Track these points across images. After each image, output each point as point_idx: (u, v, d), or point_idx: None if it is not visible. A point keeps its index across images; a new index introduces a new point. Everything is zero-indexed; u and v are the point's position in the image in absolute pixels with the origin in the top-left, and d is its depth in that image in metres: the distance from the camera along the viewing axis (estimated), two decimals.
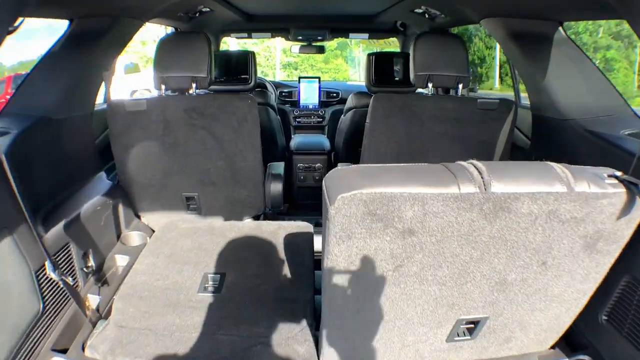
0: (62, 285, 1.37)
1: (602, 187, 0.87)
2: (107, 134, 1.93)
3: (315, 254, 1.92)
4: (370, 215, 0.80)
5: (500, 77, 10.76)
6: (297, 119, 3.86)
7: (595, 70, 1.69)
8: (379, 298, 0.97)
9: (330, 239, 0.85)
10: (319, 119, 3.86)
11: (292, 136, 3.74)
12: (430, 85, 1.85)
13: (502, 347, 1.20)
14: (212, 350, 1.24)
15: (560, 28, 1.73)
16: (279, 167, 2.18)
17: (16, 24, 1.06)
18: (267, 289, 1.47)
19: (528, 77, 1.83)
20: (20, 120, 1.47)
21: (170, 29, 2.99)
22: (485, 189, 0.80)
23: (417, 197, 0.78)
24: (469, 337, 1.13)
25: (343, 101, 3.92)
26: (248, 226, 1.88)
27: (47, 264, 1.29)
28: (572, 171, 0.88)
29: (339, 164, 2.29)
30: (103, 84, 1.90)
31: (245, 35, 3.76)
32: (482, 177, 0.81)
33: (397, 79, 2.91)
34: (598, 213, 0.89)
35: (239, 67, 2.90)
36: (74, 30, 1.67)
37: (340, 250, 0.87)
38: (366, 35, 3.79)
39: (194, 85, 1.80)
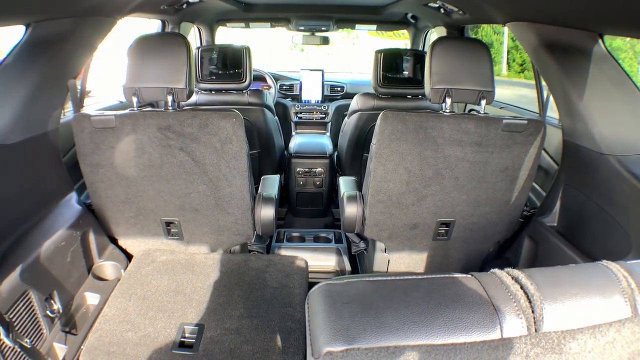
0: (22, 346, 1.18)
1: None
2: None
3: (310, 277, 1.72)
4: None
5: (508, 63, 10.41)
6: (298, 115, 3.61)
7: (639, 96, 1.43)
8: None
9: None
10: (321, 115, 3.61)
11: (292, 134, 3.50)
12: (448, 101, 1.59)
13: None
14: None
15: (600, 41, 1.46)
16: (271, 185, 1.95)
17: None
18: (251, 351, 1.27)
19: (560, 95, 1.57)
20: None
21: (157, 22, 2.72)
22: (535, 329, 0.57)
23: (440, 350, 0.55)
24: None
25: (348, 96, 3.65)
26: (234, 262, 1.67)
27: (1, 330, 1.10)
28: (633, 276, 0.64)
29: (341, 180, 2.05)
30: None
31: (242, 25, 3.48)
32: (532, 308, 0.58)
33: (406, 76, 2.65)
34: None
35: (232, 62, 2.64)
36: (31, 36, 1.41)
37: None
38: (374, 26, 3.49)
39: (169, 98, 1.56)
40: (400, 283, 0.61)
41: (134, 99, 1.56)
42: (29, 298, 1.32)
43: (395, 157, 1.59)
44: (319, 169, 2.94)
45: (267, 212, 1.78)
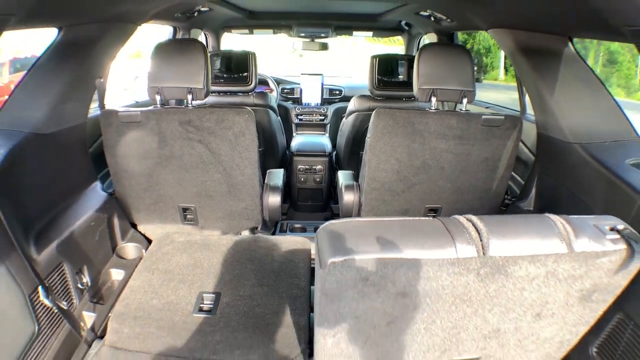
0: (56, 308, 1.36)
1: (602, 244, 0.84)
2: (101, 141, 1.90)
3: (312, 263, 1.90)
4: (362, 281, 0.77)
5: (505, 67, 10.64)
6: (299, 117, 3.81)
7: (604, 92, 1.63)
8: (370, 347, 0.95)
9: (320, 299, 0.83)
10: (321, 117, 3.81)
11: (294, 134, 3.69)
12: (434, 99, 1.80)
13: None
14: None
15: (569, 44, 1.67)
16: (277, 177, 2.15)
17: None
18: (262, 313, 1.46)
19: (534, 93, 1.78)
20: (8, 138, 1.44)
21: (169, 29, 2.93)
22: (483, 253, 0.77)
23: (412, 263, 0.75)
24: None
25: (346, 99, 3.86)
26: (245, 241, 1.86)
27: (40, 289, 1.28)
28: (573, 226, 0.84)
29: (339, 174, 2.25)
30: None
31: (247, 31, 3.69)
32: (480, 238, 0.78)
33: (402, 80, 2.85)
34: (596, 270, 0.86)
35: (239, 67, 2.85)
36: (63, 38, 1.61)
37: (330, 309, 0.84)
38: (370, 33, 3.71)
39: (189, 96, 1.76)
40: (384, 222, 0.81)
41: (158, 97, 1.76)
42: (62, 270, 1.50)
43: (387, 149, 1.79)
44: (319, 167, 3.14)
45: (274, 199, 1.97)
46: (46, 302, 1.28)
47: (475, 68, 1.85)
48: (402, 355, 0.98)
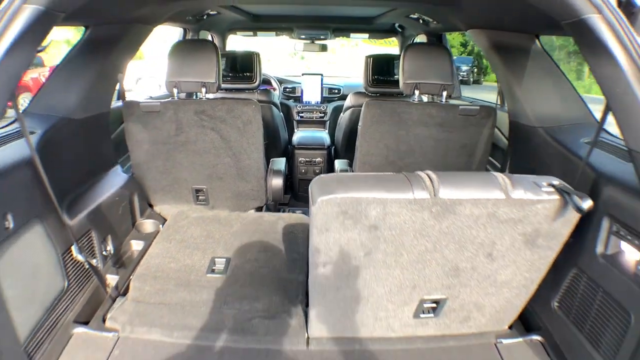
0: (86, 266, 1.59)
1: (537, 194, 1.07)
2: (122, 129, 2.13)
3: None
4: (343, 214, 1.01)
5: None
6: (300, 114, 4.05)
7: (565, 82, 1.86)
8: (353, 279, 1.18)
9: (313, 231, 1.07)
10: (320, 114, 4.05)
11: (295, 130, 3.94)
12: (417, 92, 2.04)
13: (463, 325, 1.41)
14: (218, 322, 1.47)
15: (537, 41, 1.90)
16: (280, 163, 2.38)
17: (44, 43, 1.25)
18: (266, 272, 1.69)
19: (506, 85, 2.01)
20: (44, 121, 1.65)
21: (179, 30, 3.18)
22: (434, 195, 1.00)
23: (379, 200, 0.99)
24: (432, 315, 1.35)
25: (344, 97, 4.10)
26: (251, 217, 2.09)
27: (74, 247, 1.51)
28: (512, 180, 1.07)
29: (336, 161, 2.49)
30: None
31: (251, 33, 3.94)
32: (433, 185, 1.01)
33: (394, 78, 3.08)
34: (534, 215, 1.09)
35: (244, 66, 3.09)
36: (90, 36, 1.84)
37: (320, 240, 1.08)
38: (366, 35, 3.95)
39: (203, 89, 2.00)
40: (361, 175, 1.05)
41: (175, 90, 2.00)
42: (90, 236, 1.72)
43: (376, 136, 2.03)
44: (318, 159, 3.37)
45: (277, 181, 2.21)
46: (79, 257, 1.51)
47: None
48: (380, 288, 1.21)
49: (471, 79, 17.52)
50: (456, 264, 1.18)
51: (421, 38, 3.31)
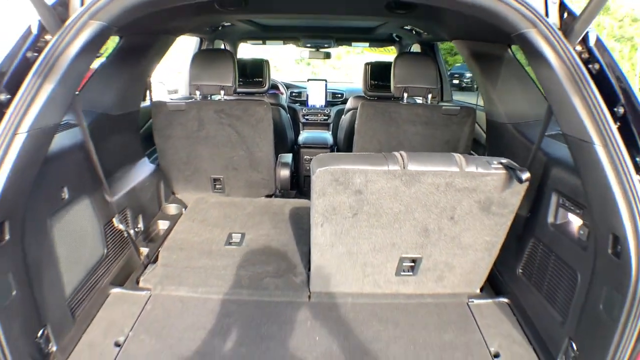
0: (124, 235, 1.90)
1: (487, 169, 1.37)
2: (148, 127, 2.46)
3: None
4: (335, 181, 1.33)
5: None
6: (306, 117, 4.38)
7: (532, 85, 2.16)
8: (344, 236, 1.50)
9: (313, 196, 1.39)
10: (324, 117, 4.38)
11: (301, 131, 4.26)
12: (405, 95, 2.35)
13: (438, 285, 1.71)
14: (236, 281, 1.77)
15: (509, 50, 2.21)
16: (287, 157, 2.71)
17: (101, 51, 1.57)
18: (275, 244, 2.00)
19: (483, 88, 2.32)
20: (87, 115, 1.92)
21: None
22: (404, 167, 1.32)
23: (362, 171, 1.31)
24: (411, 273, 1.65)
25: (347, 101, 4.43)
26: (262, 202, 2.41)
27: (115, 218, 1.82)
28: (466, 159, 1.38)
29: None
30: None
31: (260, 42, 4.28)
32: (403, 161, 1.33)
33: (389, 83, 3.40)
34: (484, 185, 1.39)
35: (255, 72, 3.43)
36: (124, 45, 2.14)
37: (319, 203, 1.40)
38: (367, 44, 4.28)
39: (222, 92, 2.33)
40: (351, 154, 1.37)
41: (197, 92, 2.33)
42: (126, 213, 2.04)
43: (370, 132, 2.34)
44: None
45: (284, 172, 2.53)
46: (121, 227, 1.82)
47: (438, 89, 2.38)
48: (365, 245, 1.52)
49: (475, 86, 17.88)
50: (425, 225, 1.48)
51: (416, 47, 3.64)
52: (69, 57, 1.19)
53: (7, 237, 1.15)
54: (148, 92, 2.55)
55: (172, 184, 2.55)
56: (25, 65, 1.16)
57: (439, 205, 1.43)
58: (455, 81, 5.23)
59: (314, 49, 4.28)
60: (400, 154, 1.37)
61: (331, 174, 1.36)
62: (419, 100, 2.45)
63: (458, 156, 1.39)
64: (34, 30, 1.19)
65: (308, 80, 4.52)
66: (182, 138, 2.38)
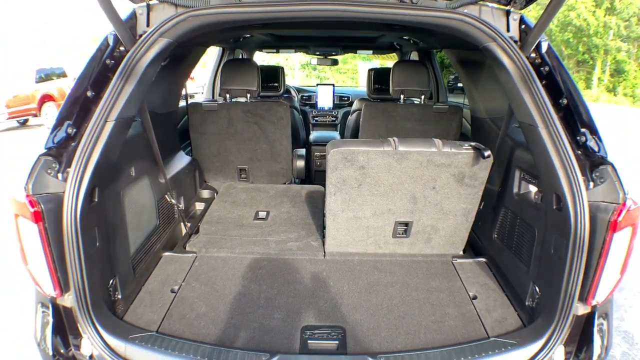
0: (173, 210, 2.34)
1: (458, 149, 1.81)
2: (183, 124, 2.91)
3: (324, 196, 2.87)
4: (344, 159, 1.78)
5: None
6: (315, 118, 4.83)
7: None
8: (352, 203, 1.94)
9: (328, 171, 1.84)
10: (332, 119, 4.83)
11: (311, 131, 4.71)
12: (402, 96, 2.79)
13: (427, 246, 2.13)
14: (265, 245, 2.21)
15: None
16: (302, 151, 3.16)
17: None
18: (295, 219, 2.44)
19: (467, 90, 2.75)
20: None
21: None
22: (395, 148, 1.76)
23: (364, 151, 1.76)
24: (405, 236, 2.08)
25: (353, 104, 4.88)
26: (282, 187, 2.86)
27: (167, 195, 2.26)
28: (443, 142, 1.82)
29: None
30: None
31: (274, 51, 4.75)
32: (395, 144, 1.77)
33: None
34: (457, 162, 1.83)
35: (271, 77, 3.89)
36: (170, 55, 2.59)
37: (332, 176, 1.85)
38: (371, 51, 4.73)
39: (248, 95, 2.79)
40: (356, 139, 1.80)
41: (227, 95, 2.79)
42: (172, 193, 2.47)
43: (372, 128, 2.78)
44: None
45: (300, 163, 2.99)
46: (173, 201, 2.26)
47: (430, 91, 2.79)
48: (368, 210, 1.96)
49: None
50: (414, 194, 1.92)
51: (415, 55, 4.08)
52: (143, 65, 1.58)
53: (96, 199, 1.52)
54: (185, 94, 3.00)
55: (204, 173, 3.00)
56: (105, 70, 1.53)
57: (423, 178, 1.87)
58: (460, 84, 5.66)
59: (322, 57, 4.74)
60: (393, 140, 1.81)
61: (341, 153, 1.81)
62: (417, 100, 2.88)
63: (437, 140, 1.82)
64: (110, 42, 1.57)
65: (317, 85, 4.98)
66: (214, 134, 2.83)
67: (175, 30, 1.62)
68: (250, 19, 1.68)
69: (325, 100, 4.93)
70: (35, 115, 12.66)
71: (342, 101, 5.05)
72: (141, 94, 1.68)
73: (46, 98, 12.63)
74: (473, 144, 1.85)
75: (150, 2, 1.70)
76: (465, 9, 1.69)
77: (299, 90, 5.15)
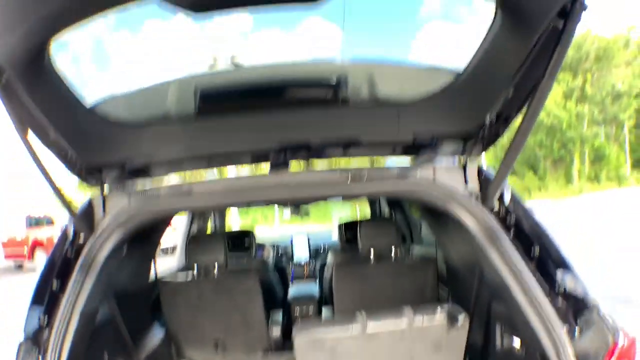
0: None
1: (430, 320, 1.77)
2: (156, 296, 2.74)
3: None
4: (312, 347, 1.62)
5: None
6: (294, 269, 4.72)
7: None
8: None
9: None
10: (310, 270, 4.72)
11: (290, 285, 4.49)
12: (372, 254, 2.74)
13: None
14: None
15: None
16: (278, 316, 3.03)
17: None
18: None
19: (437, 238, 2.72)
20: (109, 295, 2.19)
21: None
22: (364, 331, 1.67)
23: (333, 338, 1.63)
24: None
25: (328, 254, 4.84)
26: None
27: None
28: (415, 311, 1.74)
29: (323, 309, 3.06)
30: None
31: (246, 206, 4.83)
32: (364, 323, 1.68)
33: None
34: (432, 332, 1.76)
35: (241, 242, 3.90)
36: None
37: None
38: (340, 199, 4.90)
39: (216, 268, 2.69)
40: (328, 322, 1.69)
41: (195, 270, 2.69)
42: None
43: (346, 287, 2.67)
44: (311, 307, 3.89)
45: (276, 331, 2.79)
46: None
47: None
48: None
49: None
50: None
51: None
52: (102, 257, 1.59)
53: None
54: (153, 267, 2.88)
55: (181, 346, 2.75)
56: (66, 261, 1.57)
57: (398, 354, 1.71)
58: None
59: (294, 210, 4.86)
60: (363, 316, 1.70)
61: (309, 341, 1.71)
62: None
63: (408, 311, 1.71)
64: (70, 233, 1.62)
65: (291, 236, 5.01)
66: (186, 308, 2.65)
67: (131, 221, 1.64)
68: (202, 207, 1.74)
69: (301, 251, 4.90)
70: (29, 259, 13.39)
71: (317, 252, 5.03)
72: (104, 285, 1.66)
73: (37, 243, 13.34)
74: (446, 306, 1.74)
75: (105, 193, 1.74)
76: (418, 173, 1.70)
77: (273, 246, 5.14)
